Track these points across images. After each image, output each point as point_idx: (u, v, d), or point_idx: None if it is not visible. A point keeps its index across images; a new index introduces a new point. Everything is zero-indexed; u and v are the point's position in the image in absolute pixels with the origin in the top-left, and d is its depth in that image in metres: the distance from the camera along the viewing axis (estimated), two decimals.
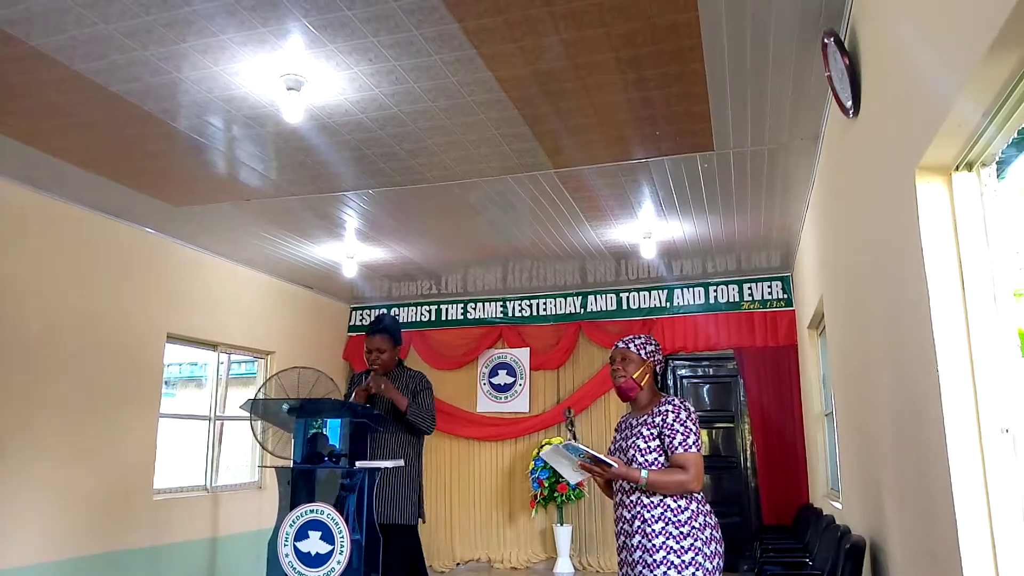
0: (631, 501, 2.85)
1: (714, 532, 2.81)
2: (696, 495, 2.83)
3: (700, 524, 2.77)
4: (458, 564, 8.26)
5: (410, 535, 4.26)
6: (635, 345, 3.05)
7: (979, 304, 1.94)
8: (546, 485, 7.72)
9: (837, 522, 4.57)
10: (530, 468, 7.99)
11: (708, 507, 2.86)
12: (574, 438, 2.98)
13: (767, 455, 7.41)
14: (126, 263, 5.83)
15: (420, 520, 4.35)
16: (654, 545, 2.74)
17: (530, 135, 4.33)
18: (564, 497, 7.74)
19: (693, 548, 2.72)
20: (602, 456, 2.80)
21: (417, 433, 4.32)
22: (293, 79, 3.60)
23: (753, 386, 7.58)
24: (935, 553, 2.22)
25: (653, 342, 3.10)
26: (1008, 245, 1.93)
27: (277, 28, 3.21)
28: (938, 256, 2.02)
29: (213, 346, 6.90)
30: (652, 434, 2.85)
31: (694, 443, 2.80)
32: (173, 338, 6.34)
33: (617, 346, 3.09)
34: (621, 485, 2.91)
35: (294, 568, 3.73)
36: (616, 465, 2.78)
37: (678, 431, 2.81)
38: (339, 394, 4.57)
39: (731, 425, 7.97)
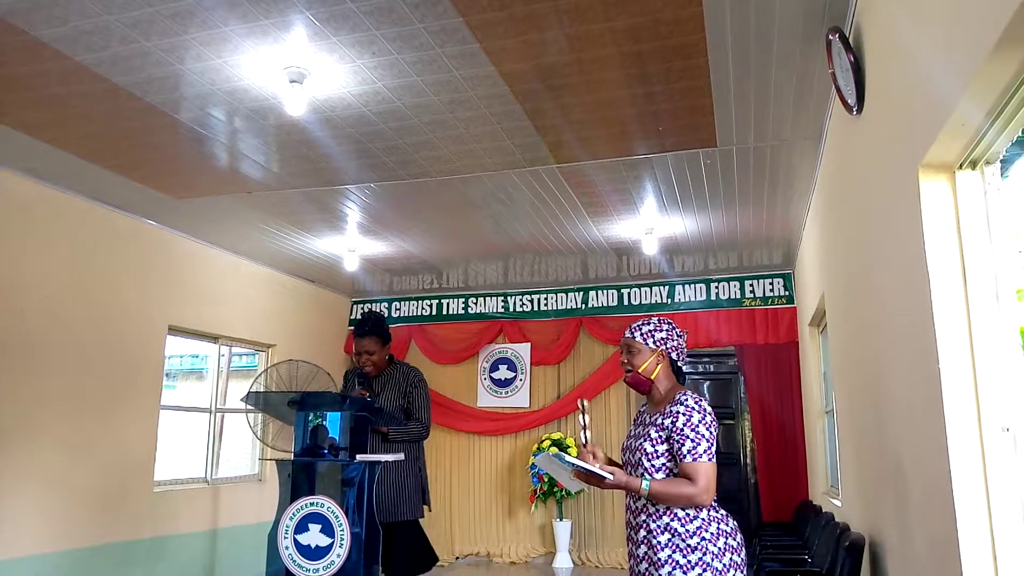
0: (636, 508, 2.57)
1: (728, 541, 2.46)
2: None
3: (712, 535, 2.44)
4: (457, 558, 8.28)
5: (415, 530, 4.28)
6: (642, 333, 2.67)
7: (981, 302, 1.94)
8: (546, 480, 7.73)
9: (836, 519, 4.57)
10: (530, 463, 8.01)
11: (723, 513, 2.51)
12: (585, 430, 2.69)
13: (767, 452, 7.42)
14: (128, 255, 5.83)
15: (427, 508, 4.38)
16: (659, 559, 2.44)
17: (532, 130, 4.32)
18: (563, 492, 7.75)
19: (701, 563, 2.40)
20: (594, 468, 2.46)
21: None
22: (296, 72, 3.59)
23: (754, 383, 7.58)
24: (935, 551, 2.22)
25: (665, 326, 2.70)
26: (1011, 244, 1.93)
27: (280, 20, 3.20)
28: (941, 254, 2.02)
29: (214, 339, 6.90)
30: (660, 437, 2.52)
31: (705, 451, 2.44)
32: (174, 330, 6.35)
33: (624, 335, 2.74)
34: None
35: (294, 561, 3.74)
36: (611, 476, 2.46)
37: (688, 437, 2.45)
38: (336, 389, 4.57)
39: (731, 422, 7.98)
